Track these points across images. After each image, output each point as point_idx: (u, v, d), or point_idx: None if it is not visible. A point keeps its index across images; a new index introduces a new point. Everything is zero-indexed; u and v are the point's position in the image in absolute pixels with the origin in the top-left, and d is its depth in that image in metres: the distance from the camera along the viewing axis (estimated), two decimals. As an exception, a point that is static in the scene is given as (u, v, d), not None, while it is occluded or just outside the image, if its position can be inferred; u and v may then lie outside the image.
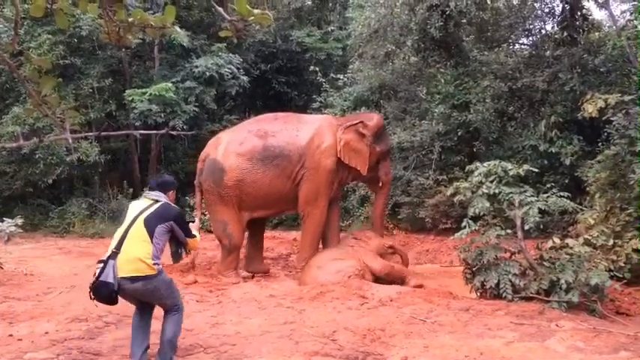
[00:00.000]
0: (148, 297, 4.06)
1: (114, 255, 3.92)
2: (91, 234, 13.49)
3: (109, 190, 15.59)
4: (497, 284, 6.25)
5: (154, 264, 3.94)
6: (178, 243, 4.32)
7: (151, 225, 4.00)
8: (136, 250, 3.92)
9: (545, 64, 11.74)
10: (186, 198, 15.82)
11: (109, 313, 5.47)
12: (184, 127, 15.38)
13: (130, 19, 2.01)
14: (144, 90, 15.01)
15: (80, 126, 14.89)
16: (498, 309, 5.76)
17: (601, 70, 11.26)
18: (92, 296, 3.93)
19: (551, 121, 10.84)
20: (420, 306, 5.99)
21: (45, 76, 2.26)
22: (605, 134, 8.92)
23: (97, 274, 3.90)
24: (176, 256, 4.35)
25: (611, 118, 7.91)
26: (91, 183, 15.89)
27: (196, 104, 15.85)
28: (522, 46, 14.30)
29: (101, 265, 3.92)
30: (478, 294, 6.64)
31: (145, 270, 3.90)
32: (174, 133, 3.58)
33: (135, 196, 15.28)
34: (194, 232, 4.41)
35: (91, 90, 15.37)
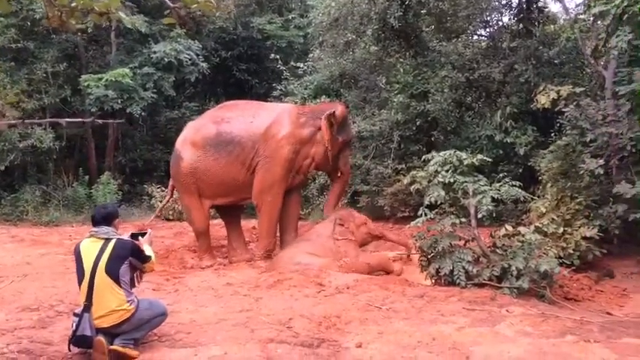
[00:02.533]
0: (135, 327, 4.17)
1: (87, 308, 3.99)
2: (45, 222, 13.18)
3: (64, 177, 15.22)
4: (452, 271, 6.36)
5: (129, 303, 4.09)
6: (135, 269, 4.30)
7: (113, 272, 4.03)
8: (109, 303, 4.02)
9: (501, 56, 11.97)
10: (144, 186, 15.64)
11: (61, 302, 5.40)
12: (142, 113, 15.15)
13: (73, 4, 1.96)
14: (100, 75, 14.69)
15: (34, 112, 14.53)
16: (452, 295, 5.87)
17: (555, 62, 11.53)
18: (70, 348, 4.03)
19: (506, 112, 11.05)
20: (376, 293, 6.05)
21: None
22: (558, 125, 9.15)
23: (73, 329, 3.98)
24: (132, 283, 4.28)
25: (563, 110, 8.11)
26: (45, 170, 15.48)
27: (154, 90, 15.60)
28: (480, 38, 14.52)
29: (76, 318, 4.00)
30: (433, 281, 6.75)
31: (124, 315, 4.07)
32: (99, 121, 3.54)
33: (91, 183, 15.02)
34: (148, 251, 4.39)
35: (45, 75, 14.94)
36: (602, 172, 7.71)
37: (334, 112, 8.41)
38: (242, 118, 8.47)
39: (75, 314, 4.05)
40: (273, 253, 8.51)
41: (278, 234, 8.85)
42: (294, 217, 8.99)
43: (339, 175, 9.04)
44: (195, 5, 1.96)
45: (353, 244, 7.96)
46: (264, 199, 8.34)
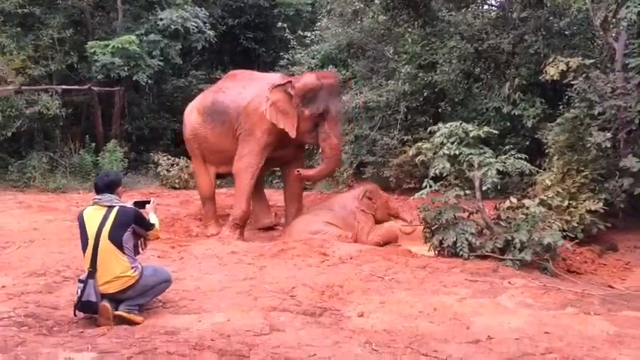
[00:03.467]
0: (140, 293, 4.23)
1: (91, 274, 4.05)
2: (52, 188, 13.25)
3: (70, 144, 15.24)
4: (455, 243, 6.39)
5: (134, 269, 4.14)
6: (139, 236, 4.35)
7: (116, 238, 4.07)
8: (113, 269, 4.08)
9: (511, 26, 11.76)
10: (151, 154, 15.66)
11: (68, 268, 5.47)
12: (149, 81, 15.08)
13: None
14: (106, 42, 14.56)
15: (40, 78, 14.50)
16: (454, 267, 5.91)
17: (566, 33, 11.34)
18: (76, 313, 4.09)
19: (515, 84, 10.92)
20: (379, 264, 6.10)
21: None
22: (567, 97, 9.05)
23: (79, 295, 4.04)
24: (136, 250, 4.32)
25: (572, 82, 8.02)
26: (52, 137, 15.50)
27: (161, 58, 15.47)
28: (490, 8, 14.30)
29: (81, 285, 4.05)
30: (436, 252, 6.79)
31: (129, 281, 4.12)
32: (95, 89, 3.52)
33: (97, 150, 15.05)
34: (153, 219, 4.45)
35: (51, 41, 14.83)
36: (609, 145, 7.66)
37: (290, 81, 8.11)
38: (235, 89, 8.54)
39: (80, 280, 4.11)
40: (246, 223, 8.60)
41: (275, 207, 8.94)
42: (296, 189, 9.00)
43: (325, 155, 8.40)
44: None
45: (371, 220, 8.20)
46: (238, 171, 8.33)
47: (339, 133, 8.54)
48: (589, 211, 7.52)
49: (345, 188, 12.17)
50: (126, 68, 14.52)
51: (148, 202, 4.68)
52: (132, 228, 4.18)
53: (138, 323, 4.06)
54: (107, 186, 4.26)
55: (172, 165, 14.71)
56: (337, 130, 8.36)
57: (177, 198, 12.13)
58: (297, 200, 8.95)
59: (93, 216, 4.13)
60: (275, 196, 10.60)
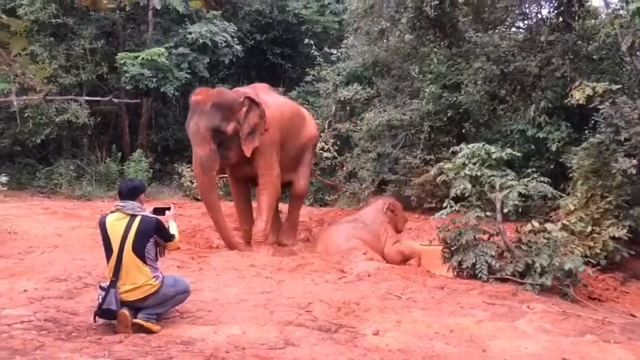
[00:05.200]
0: (160, 302, 4.29)
1: (113, 284, 4.11)
2: (77, 196, 13.48)
3: (97, 152, 15.54)
4: (474, 264, 6.34)
5: (155, 278, 4.21)
6: (157, 245, 4.38)
7: (139, 250, 4.13)
8: (136, 279, 4.14)
9: (538, 49, 11.72)
10: (175, 165, 15.85)
11: (89, 274, 5.54)
12: (176, 93, 15.31)
13: (105, -15, 2.01)
14: (136, 54, 14.88)
15: (71, 87, 14.81)
16: (473, 288, 5.86)
17: (594, 57, 11.26)
18: (96, 319, 4.16)
19: (540, 106, 10.86)
20: (397, 282, 6.08)
21: (15, 37, 2.27)
22: (593, 122, 8.97)
23: (100, 301, 4.10)
24: (156, 257, 4.34)
25: (599, 106, 7.95)
26: (79, 145, 15.82)
27: (189, 71, 15.74)
28: (517, 30, 14.26)
29: (102, 292, 4.11)
30: (455, 273, 6.75)
31: (150, 289, 4.18)
32: (116, 100, 3.59)
33: (123, 160, 15.28)
34: (173, 229, 4.49)
35: (82, 51, 15.19)
36: (634, 171, 7.54)
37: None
38: None
39: (101, 288, 4.16)
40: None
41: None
42: (243, 208, 9.01)
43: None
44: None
45: (393, 231, 8.61)
46: None
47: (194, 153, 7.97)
48: (612, 238, 7.41)
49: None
50: (154, 80, 14.79)
51: (168, 208, 4.70)
52: (154, 238, 4.23)
53: (155, 332, 4.10)
54: (131, 191, 4.31)
55: (196, 176, 14.84)
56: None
57: (199, 209, 12.19)
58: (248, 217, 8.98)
59: (116, 226, 4.17)
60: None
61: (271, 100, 8.71)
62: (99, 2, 2.13)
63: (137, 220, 4.17)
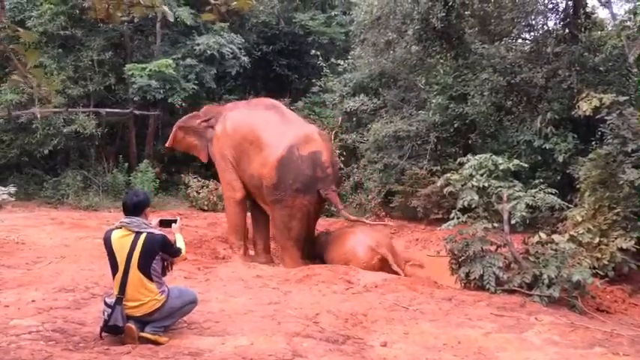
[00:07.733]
0: (166, 315, 4.30)
1: (119, 300, 4.09)
2: (84, 206, 13.53)
3: (104, 163, 15.62)
4: (482, 276, 6.32)
5: (161, 293, 4.21)
6: (164, 260, 4.36)
7: (145, 267, 4.11)
8: (142, 295, 4.13)
9: (544, 60, 11.74)
10: (181, 175, 15.90)
11: (96, 285, 5.55)
12: (183, 104, 15.39)
13: (120, -3, 2.04)
14: (144, 65, 14.98)
15: (79, 98, 14.91)
16: (480, 300, 5.84)
17: (600, 69, 11.27)
18: (102, 336, 4.14)
19: (547, 118, 10.86)
20: (404, 293, 6.06)
21: (29, 49, 2.29)
22: (599, 133, 8.95)
23: (106, 318, 4.08)
24: (163, 272, 4.33)
25: (606, 118, 7.94)
26: (87, 155, 15.90)
27: (196, 82, 15.85)
28: (524, 41, 14.28)
29: (108, 309, 4.08)
30: (462, 284, 6.72)
31: (155, 304, 4.18)
32: (137, 112, 3.61)
33: (130, 170, 15.33)
34: (179, 242, 4.46)
35: (90, 62, 15.32)
36: (642, 183, 7.54)
37: None
38: None
39: (106, 304, 4.11)
40: None
41: None
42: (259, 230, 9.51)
43: None
44: (235, 3, 2.01)
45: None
46: None
47: None
48: (620, 249, 7.36)
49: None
50: (161, 91, 14.88)
51: (175, 221, 4.64)
52: (160, 256, 4.20)
53: (162, 344, 4.09)
54: (136, 206, 4.24)
55: (202, 187, 14.91)
56: None
57: (205, 220, 12.26)
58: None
59: (121, 243, 4.12)
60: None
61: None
62: (114, 15, 2.15)
63: (142, 237, 4.12)
